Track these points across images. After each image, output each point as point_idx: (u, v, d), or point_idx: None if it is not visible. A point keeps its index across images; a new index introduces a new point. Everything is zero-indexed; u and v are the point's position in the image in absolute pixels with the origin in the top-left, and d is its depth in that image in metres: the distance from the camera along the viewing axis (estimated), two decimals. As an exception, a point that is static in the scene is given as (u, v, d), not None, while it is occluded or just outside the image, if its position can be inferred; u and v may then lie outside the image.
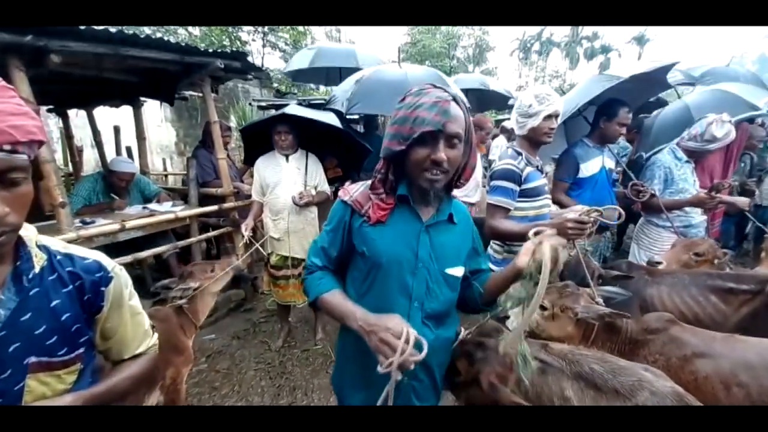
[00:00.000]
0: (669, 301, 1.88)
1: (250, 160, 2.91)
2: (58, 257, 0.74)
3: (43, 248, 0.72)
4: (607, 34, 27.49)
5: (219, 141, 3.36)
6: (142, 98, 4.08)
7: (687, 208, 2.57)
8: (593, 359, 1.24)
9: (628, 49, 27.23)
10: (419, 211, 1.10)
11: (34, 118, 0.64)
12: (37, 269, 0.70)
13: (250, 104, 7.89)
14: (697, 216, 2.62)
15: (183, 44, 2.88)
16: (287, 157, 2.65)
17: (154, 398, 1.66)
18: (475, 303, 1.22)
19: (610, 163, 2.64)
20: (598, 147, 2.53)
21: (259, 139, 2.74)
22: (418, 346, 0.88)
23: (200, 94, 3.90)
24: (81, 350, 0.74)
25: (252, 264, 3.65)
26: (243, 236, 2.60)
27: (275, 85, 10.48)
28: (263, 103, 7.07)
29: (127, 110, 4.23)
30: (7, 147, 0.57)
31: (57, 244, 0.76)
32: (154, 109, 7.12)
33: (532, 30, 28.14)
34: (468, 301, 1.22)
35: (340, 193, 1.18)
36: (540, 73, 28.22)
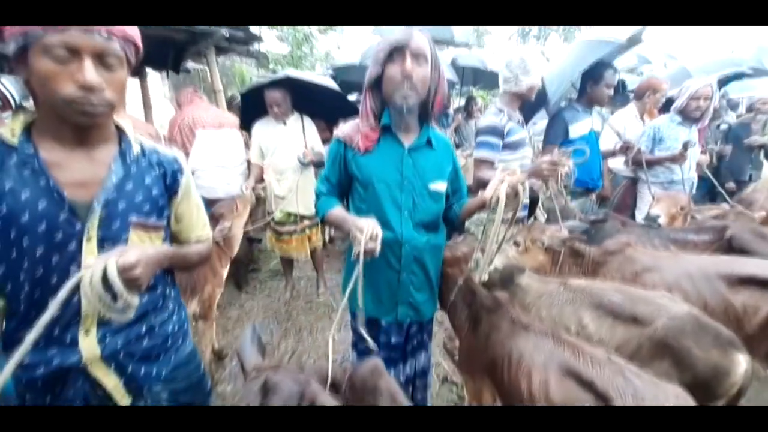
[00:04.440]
0: None
1: (246, 125, 3.02)
2: (148, 148, 0.95)
3: (136, 139, 0.93)
4: (605, 17, 27.16)
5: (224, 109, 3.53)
6: (148, 69, 4.21)
7: (671, 165, 2.82)
8: (613, 290, 1.40)
9: (624, 33, 27.05)
10: (401, 138, 1.32)
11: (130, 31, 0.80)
12: (135, 153, 0.91)
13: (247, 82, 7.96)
14: (680, 173, 2.84)
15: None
16: (285, 121, 2.81)
17: (194, 306, 1.95)
18: (453, 224, 1.49)
19: (598, 126, 2.83)
20: (586, 110, 2.70)
21: (256, 105, 2.83)
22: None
23: (203, 67, 4.04)
24: (164, 222, 0.96)
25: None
26: (243, 193, 2.69)
27: (272, 66, 10.50)
28: (263, 80, 7.12)
29: (130, 83, 4.37)
30: (104, 33, 0.75)
31: (145, 139, 0.97)
32: (155, 85, 7.20)
33: (530, 13, 27.75)
34: (448, 222, 1.49)
35: (335, 131, 1.41)
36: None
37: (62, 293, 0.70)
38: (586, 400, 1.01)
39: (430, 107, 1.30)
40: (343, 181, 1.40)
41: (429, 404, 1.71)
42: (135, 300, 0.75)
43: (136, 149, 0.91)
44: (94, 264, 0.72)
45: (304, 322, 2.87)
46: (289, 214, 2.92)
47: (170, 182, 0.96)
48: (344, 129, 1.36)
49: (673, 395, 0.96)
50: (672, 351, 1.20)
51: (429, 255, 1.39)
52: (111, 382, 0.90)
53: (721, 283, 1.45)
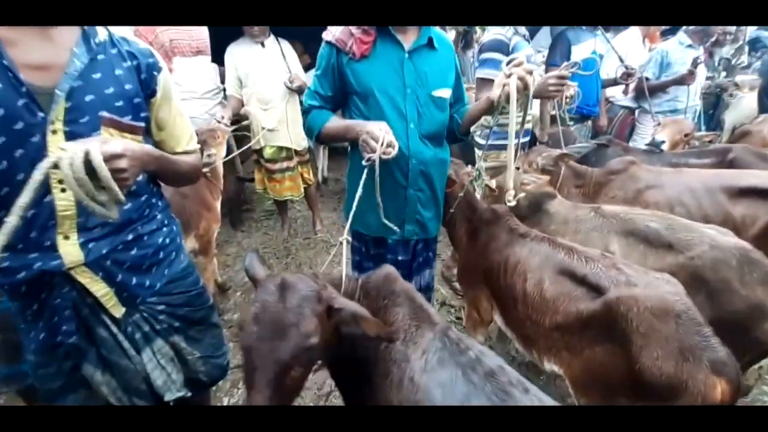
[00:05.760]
0: None
1: (215, 50, 2.60)
2: (116, 36, 0.84)
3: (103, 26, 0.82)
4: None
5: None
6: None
7: (677, 92, 2.70)
8: (651, 217, 1.30)
9: None
10: (400, 39, 1.19)
11: None
12: (101, 38, 0.80)
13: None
14: (685, 101, 2.75)
15: None
16: (262, 43, 2.54)
17: (191, 243, 1.92)
18: (454, 134, 1.40)
19: (601, 48, 2.67)
20: (590, 30, 2.54)
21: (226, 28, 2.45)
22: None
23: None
24: (142, 123, 0.87)
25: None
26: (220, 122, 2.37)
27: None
28: None
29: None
30: None
31: (112, 27, 0.84)
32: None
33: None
34: (449, 133, 1.40)
35: (323, 34, 1.25)
36: None
37: (37, 174, 0.63)
38: (579, 293, 1.05)
39: None
40: (337, 93, 1.27)
41: None
42: (121, 196, 0.69)
43: (102, 35, 0.81)
44: (74, 146, 0.64)
45: (304, 258, 2.90)
46: (280, 149, 2.75)
47: (146, 78, 0.86)
48: (334, 32, 1.21)
49: (664, 280, 0.99)
50: (708, 283, 1.08)
51: (435, 170, 1.33)
52: (100, 289, 0.88)
53: (722, 195, 1.46)
